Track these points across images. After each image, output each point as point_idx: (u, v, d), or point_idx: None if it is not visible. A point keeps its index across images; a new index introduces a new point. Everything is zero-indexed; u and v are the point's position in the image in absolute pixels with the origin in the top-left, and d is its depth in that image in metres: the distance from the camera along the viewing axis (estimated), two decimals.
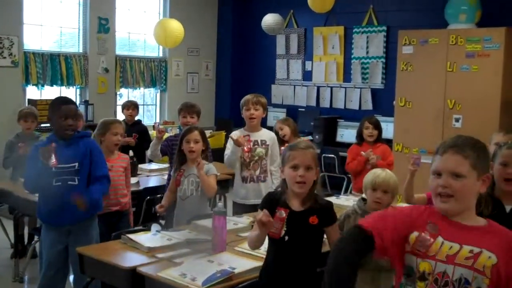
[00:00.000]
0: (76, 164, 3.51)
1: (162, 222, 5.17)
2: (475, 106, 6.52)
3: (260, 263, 2.93)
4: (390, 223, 1.95)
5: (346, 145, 7.47)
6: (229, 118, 9.29)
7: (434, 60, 6.76)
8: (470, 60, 6.52)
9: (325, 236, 2.69)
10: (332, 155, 7.59)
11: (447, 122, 6.76)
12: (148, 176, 5.58)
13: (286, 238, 2.59)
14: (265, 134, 4.59)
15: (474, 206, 1.94)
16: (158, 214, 4.35)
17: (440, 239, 1.89)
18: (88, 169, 3.58)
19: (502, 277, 1.82)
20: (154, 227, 4.89)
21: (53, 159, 3.40)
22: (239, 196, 4.55)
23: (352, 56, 8.37)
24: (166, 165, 5.34)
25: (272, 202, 2.68)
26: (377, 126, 5.16)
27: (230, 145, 4.50)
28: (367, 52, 8.19)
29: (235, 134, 4.54)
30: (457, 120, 6.71)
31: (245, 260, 3.00)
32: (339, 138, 8.19)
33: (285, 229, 2.59)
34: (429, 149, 6.83)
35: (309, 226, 2.58)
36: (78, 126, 3.67)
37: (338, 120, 8.33)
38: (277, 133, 4.91)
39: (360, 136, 5.22)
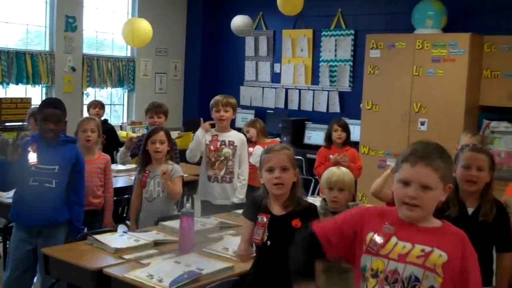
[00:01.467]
0: (57, 167, 3.48)
1: (129, 222, 5.15)
2: (440, 110, 6.63)
3: (228, 264, 2.94)
4: (337, 226, 2.05)
5: (313, 147, 7.54)
6: (197, 118, 9.24)
7: (400, 64, 6.86)
8: (436, 65, 6.64)
9: None
10: (300, 157, 7.62)
11: (413, 125, 6.86)
12: (115, 176, 5.51)
13: (269, 243, 2.61)
14: (234, 136, 4.59)
15: (433, 210, 1.99)
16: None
17: (394, 239, 1.95)
18: (68, 174, 3.54)
19: (456, 274, 1.88)
20: (121, 228, 4.85)
21: (34, 159, 3.38)
22: (204, 195, 4.55)
23: (321, 59, 8.42)
24: (133, 165, 5.29)
25: (254, 207, 2.69)
26: (346, 129, 5.20)
27: (195, 138, 4.55)
28: (335, 55, 8.26)
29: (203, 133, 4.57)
30: (422, 123, 6.81)
31: (213, 261, 3.00)
32: (306, 140, 8.24)
33: (267, 234, 2.60)
34: (395, 151, 6.93)
35: (292, 230, 2.56)
36: (62, 129, 3.61)
37: (306, 122, 8.37)
38: (245, 135, 4.93)
39: (329, 139, 5.25)
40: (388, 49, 6.95)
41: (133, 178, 4.87)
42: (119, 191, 5.02)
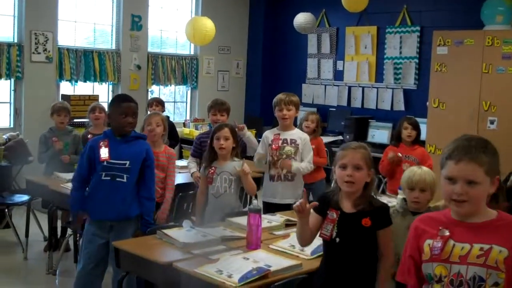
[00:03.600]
0: (128, 162, 3.55)
1: (194, 218, 5.19)
2: (510, 108, 6.41)
3: (296, 262, 2.93)
4: (412, 262, 2.06)
5: (377, 146, 7.43)
6: (259, 116, 9.29)
7: (469, 61, 6.66)
8: (507, 62, 6.41)
9: None
10: None
11: (481, 124, 6.66)
12: (179, 172, 5.57)
13: (337, 240, 2.58)
14: (296, 134, 4.56)
15: (485, 202, 1.98)
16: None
17: (451, 241, 1.94)
18: (139, 169, 3.61)
19: None
20: (186, 223, 4.88)
21: (106, 154, 3.47)
22: (267, 195, 4.54)
23: (385, 56, 8.28)
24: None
25: (325, 203, 2.67)
26: (416, 127, 5.07)
27: (261, 144, 4.57)
28: (400, 53, 8.10)
29: (266, 134, 4.57)
30: (492, 122, 6.60)
31: (280, 259, 2.99)
32: (370, 139, 8.11)
33: (336, 231, 2.58)
34: None
35: (361, 228, 2.55)
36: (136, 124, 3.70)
37: (369, 120, 8.25)
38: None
39: (397, 137, 5.14)
40: (456, 46, 6.76)
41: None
42: (183, 187, 5.08)
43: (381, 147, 6.87)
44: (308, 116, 5.66)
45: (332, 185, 2.72)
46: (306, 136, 4.58)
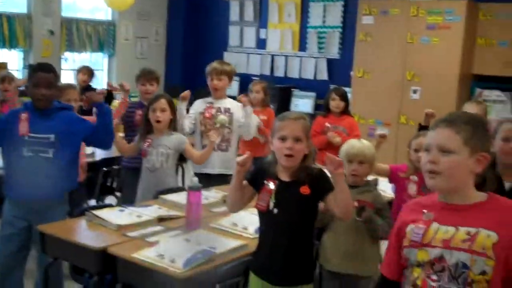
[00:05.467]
0: (52, 136, 3.21)
1: (118, 194, 4.94)
2: (433, 78, 6.51)
3: (241, 242, 2.78)
4: (396, 252, 1.89)
5: None
6: (180, 84, 9.00)
7: (394, 31, 6.70)
8: (431, 32, 6.49)
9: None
10: None
11: (405, 94, 6.74)
12: None
13: (275, 210, 2.42)
14: (230, 103, 4.40)
15: (471, 184, 1.81)
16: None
17: (435, 225, 1.78)
18: (70, 143, 3.29)
19: (507, 253, 1.68)
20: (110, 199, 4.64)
21: (25, 128, 3.13)
22: (199, 167, 4.35)
23: (308, 25, 8.20)
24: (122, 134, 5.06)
25: (259, 174, 2.51)
26: (345, 98, 5.03)
27: (190, 113, 4.37)
28: (324, 22, 8.04)
29: (197, 104, 4.39)
30: (415, 91, 6.69)
31: (223, 239, 2.82)
32: (293, 108, 8.06)
33: (274, 201, 2.42)
34: (386, 120, 6.83)
35: (300, 197, 2.39)
36: (55, 96, 3.36)
37: (292, 89, 8.19)
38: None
39: (326, 107, 5.08)
40: (381, 15, 6.76)
41: None
42: (108, 161, 4.79)
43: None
44: (252, 86, 5.36)
45: (270, 156, 2.56)
46: (240, 105, 4.41)
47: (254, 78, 8.60)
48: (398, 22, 6.66)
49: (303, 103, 8.00)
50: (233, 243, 2.76)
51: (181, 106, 4.34)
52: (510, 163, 2.70)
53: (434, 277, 1.75)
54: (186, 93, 4.39)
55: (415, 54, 6.60)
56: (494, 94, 6.60)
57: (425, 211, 1.83)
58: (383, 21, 6.76)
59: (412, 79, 6.66)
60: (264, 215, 2.48)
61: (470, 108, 4.39)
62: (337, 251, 2.87)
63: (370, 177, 3.13)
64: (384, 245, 3.54)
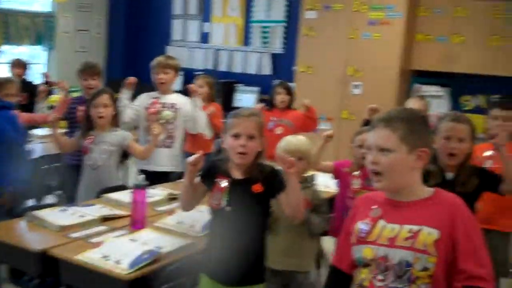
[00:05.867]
0: None
1: (59, 193, 4.80)
2: (375, 73, 6.62)
3: (188, 241, 2.74)
4: (347, 244, 1.91)
5: None
6: (121, 78, 8.81)
7: (337, 26, 6.76)
8: (372, 28, 6.59)
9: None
10: None
11: (347, 89, 6.82)
12: (42, 143, 5.09)
13: (228, 208, 2.39)
14: (176, 98, 4.34)
15: (417, 180, 1.84)
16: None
17: (382, 222, 1.81)
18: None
19: (450, 248, 1.71)
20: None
21: None
22: (142, 162, 4.27)
23: (252, 20, 8.18)
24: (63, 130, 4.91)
25: (211, 171, 2.47)
26: (289, 92, 5.06)
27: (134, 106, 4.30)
28: (268, 16, 8.04)
29: (142, 98, 4.32)
30: (356, 86, 6.78)
31: (169, 238, 2.78)
32: (237, 103, 8.03)
33: (227, 198, 2.39)
34: (329, 115, 6.89)
35: (252, 195, 2.37)
36: None
37: (236, 84, 8.16)
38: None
39: (271, 102, 5.09)
40: (324, 10, 6.82)
41: None
42: (48, 159, 4.66)
43: None
44: (196, 81, 5.20)
45: (222, 153, 2.53)
46: (186, 101, 4.35)
47: (197, 73, 8.55)
48: (340, 17, 6.73)
49: (246, 98, 7.98)
50: (180, 242, 2.73)
51: (123, 95, 4.25)
52: (450, 164, 2.74)
53: (380, 277, 1.77)
54: (132, 78, 4.31)
55: (357, 49, 6.69)
56: (432, 89, 6.76)
57: (374, 207, 1.85)
58: (326, 16, 6.82)
59: (353, 74, 6.75)
60: (216, 213, 2.45)
61: (412, 103, 4.49)
62: (277, 249, 2.87)
63: (308, 174, 3.12)
64: (326, 240, 3.60)
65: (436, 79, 6.74)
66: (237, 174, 2.44)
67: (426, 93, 6.72)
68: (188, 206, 2.59)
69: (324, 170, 3.47)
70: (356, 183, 3.27)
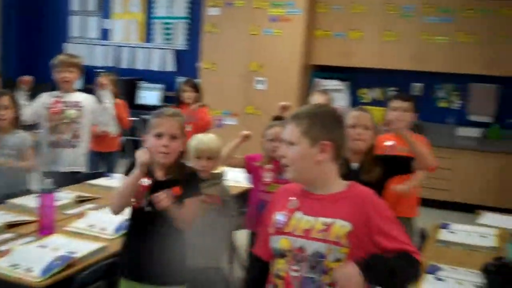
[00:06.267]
0: None
1: None
2: (278, 68, 6.75)
3: (99, 244, 2.69)
4: (263, 232, 1.98)
5: (148, 108, 7.28)
6: (15, 78, 8.44)
7: (239, 23, 6.83)
8: (273, 24, 6.72)
9: None
10: (136, 118, 7.32)
11: (251, 85, 6.92)
12: None
13: (148, 209, 2.38)
14: (79, 96, 4.23)
15: (331, 173, 1.91)
16: None
17: (299, 214, 1.87)
18: None
19: (364, 239, 1.79)
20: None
21: None
22: (48, 164, 4.14)
23: (154, 16, 8.09)
24: None
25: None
26: (196, 89, 5.10)
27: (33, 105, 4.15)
28: (170, 12, 7.98)
29: (43, 97, 4.18)
30: (260, 82, 6.89)
31: (81, 242, 2.71)
32: (140, 100, 7.94)
33: (148, 198, 2.38)
34: (233, 111, 6.96)
35: (172, 197, 2.36)
36: None
37: (138, 81, 8.05)
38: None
39: (178, 99, 5.10)
40: (227, 7, 6.87)
41: None
42: None
43: (151, 109, 6.74)
44: (98, 78, 5.07)
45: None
46: (92, 99, 4.25)
47: (98, 70, 8.34)
48: (242, 14, 6.80)
49: (150, 95, 7.90)
50: (93, 245, 2.67)
51: (19, 95, 4.08)
52: (357, 149, 2.89)
53: (296, 267, 1.83)
54: (27, 77, 4.15)
55: (259, 45, 6.80)
56: (332, 84, 6.99)
57: (291, 198, 1.91)
58: (228, 13, 6.87)
59: (257, 70, 6.85)
60: (135, 212, 2.44)
61: (316, 98, 4.63)
62: (190, 247, 2.88)
63: (216, 171, 3.15)
64: (238, 234, 3.66)
65: (336, 74, 6.98)
66: (160, 174, 2.43)
67: (327, 87, 6.94)
68: (121, 209, 2.48)
69: (235, 164, 3.50)
70: (267, 176, 3.33)
